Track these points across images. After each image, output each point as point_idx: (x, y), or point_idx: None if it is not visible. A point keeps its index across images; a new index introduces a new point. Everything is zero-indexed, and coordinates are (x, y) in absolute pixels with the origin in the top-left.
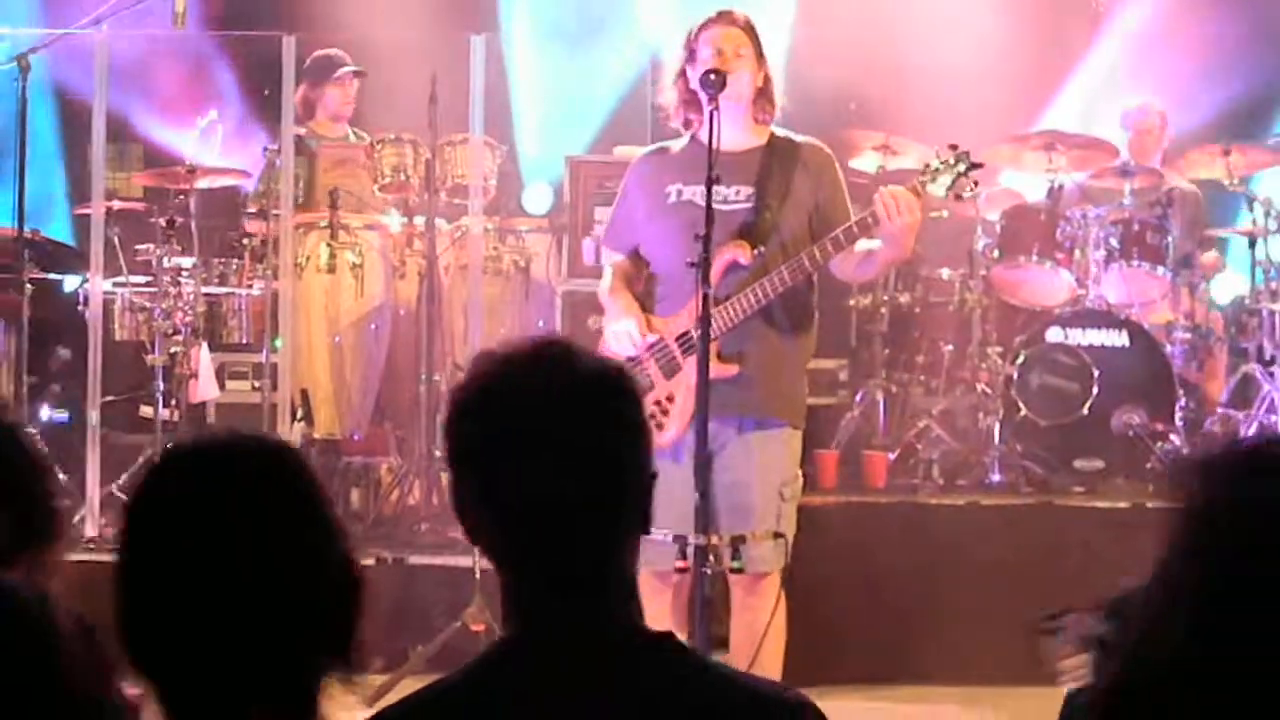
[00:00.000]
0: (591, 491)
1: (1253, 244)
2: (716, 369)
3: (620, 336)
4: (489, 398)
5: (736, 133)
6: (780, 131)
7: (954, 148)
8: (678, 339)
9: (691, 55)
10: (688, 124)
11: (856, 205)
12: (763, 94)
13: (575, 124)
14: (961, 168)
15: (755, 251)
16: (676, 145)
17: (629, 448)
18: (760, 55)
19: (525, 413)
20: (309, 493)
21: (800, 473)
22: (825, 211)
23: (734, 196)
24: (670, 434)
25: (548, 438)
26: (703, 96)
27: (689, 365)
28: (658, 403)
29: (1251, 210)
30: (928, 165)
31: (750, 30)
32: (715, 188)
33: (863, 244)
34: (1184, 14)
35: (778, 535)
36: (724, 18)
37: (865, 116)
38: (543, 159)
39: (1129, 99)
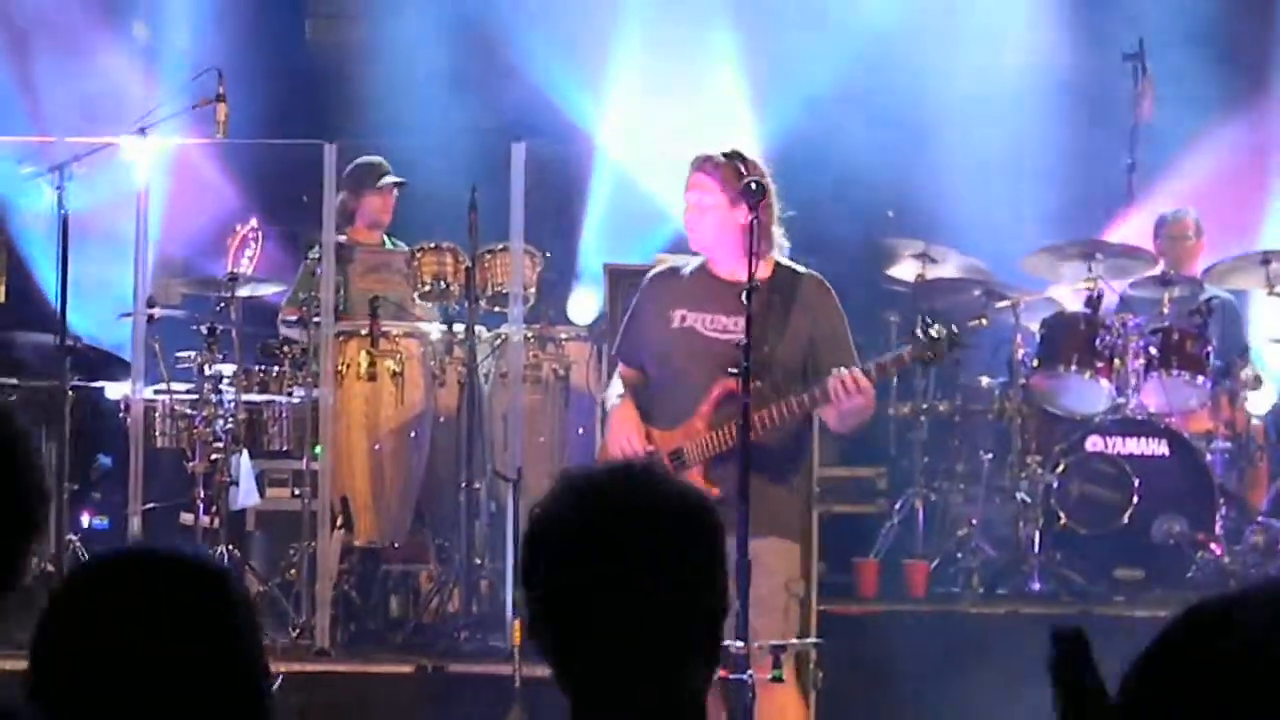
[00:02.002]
0: (665, 622)
1: None
2: (703, 487)
3: (622, 444)
4: (568, 523)
5: (737, 265)
6: (785, 262)
7: (938, 332)
8: (670, 454)
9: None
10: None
11: (894, 311)
12: (742, 226)
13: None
14: (944, 348)
15: (754, 385)
16: (688, 269)
17: (705, 580)
18: (738, 191)
19: (603, 541)
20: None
21: (800, 577)
22: (819, 348)
23: (732, 328)
24: None
25: (623, 566)
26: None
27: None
28: None
29: None
30: (902, 353)
31: (720, 170)
32: (715, 316)
33: None
34: (1219, 122)
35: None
36: (695, 163)
37: (903, 224)
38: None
39: (1164, 207)
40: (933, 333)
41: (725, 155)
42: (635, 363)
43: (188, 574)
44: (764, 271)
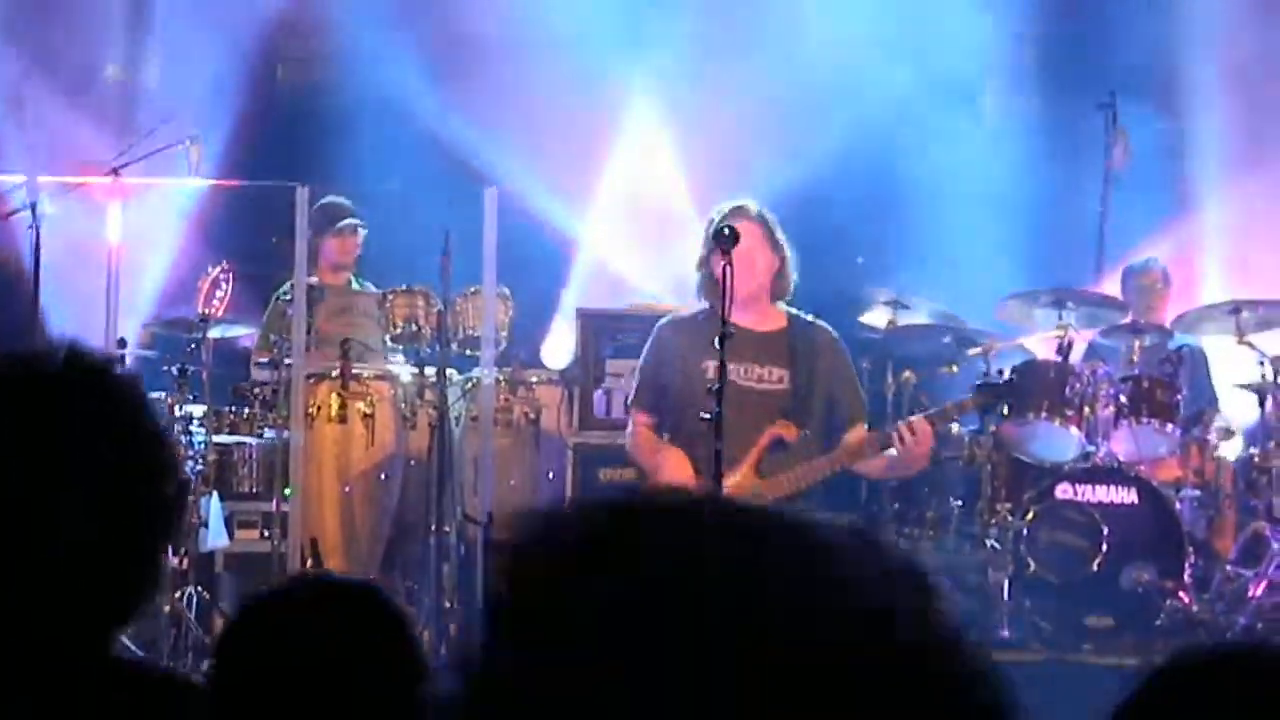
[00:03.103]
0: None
1: (1262, 401)
2: None
3: None
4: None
5: (759, 314)
6: (792, 311)
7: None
8: None
9: (722, 249)
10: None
11: (866, 358)
12: (780, 275)
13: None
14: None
15: (802, 433)
16: (702, 318)
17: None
18: (775, 240)
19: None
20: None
21: None
22: (838, 396)
23: (768, 377)
24: None
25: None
26: (715, 251)
27: None
28: None
29: (1262, 366)
30: (964, 401)
31: (762, 220)
32: (749, 366)
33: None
34: (1192, 169)
35: None
36: (738, 213)
37: (874, 271)
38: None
39: (1134, 257)
40: (999, 380)
41: (759, 210)
42: (657, 411)
43: (361, 598)
44: (780, 321)
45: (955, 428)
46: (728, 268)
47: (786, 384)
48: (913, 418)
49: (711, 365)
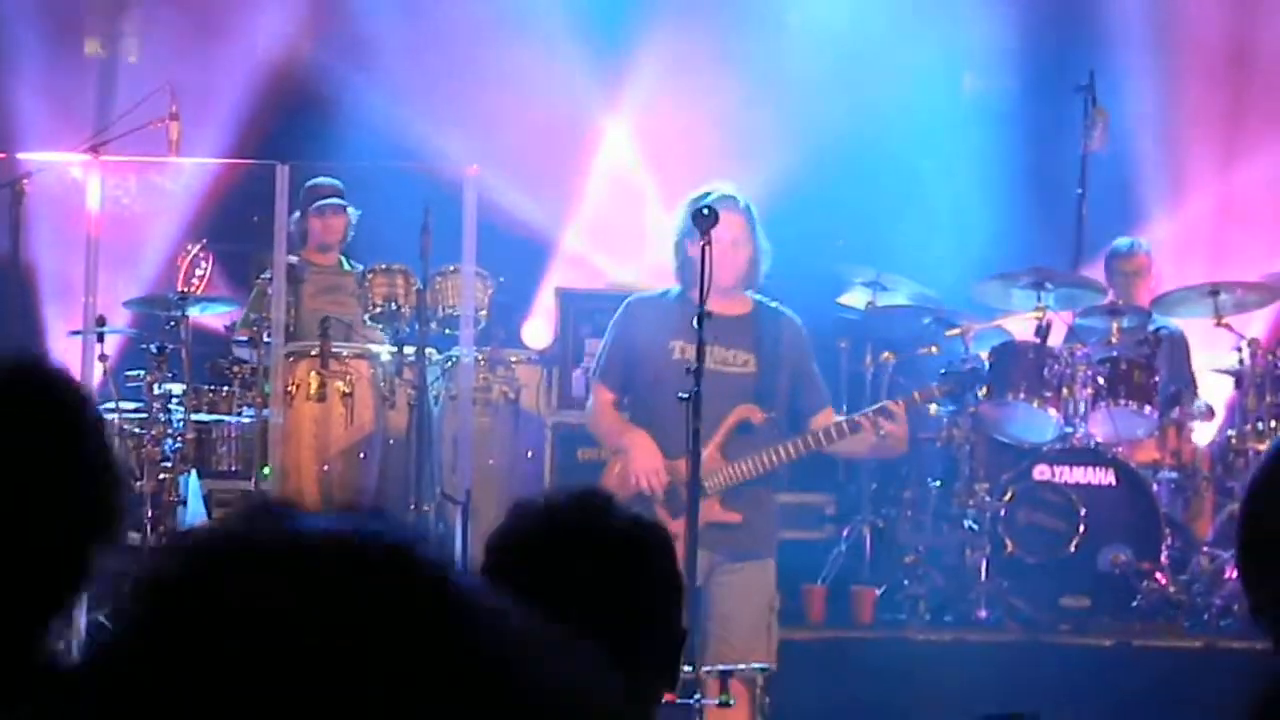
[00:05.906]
0: (620, 646)
1: (1239, 383)
2: (722, 515)
3: (649, 475)
4: (522, 550)
5: (730, 299)
6: (758, 298)
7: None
8: (686, 484)
9: (701, 230)
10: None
11: (845, 338)
12: (754, 265)
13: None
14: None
15: (768, 416)
16: (671, 298)
17: (659, 605)
18: (755, 233)
19: (556, 570)
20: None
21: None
22: (801, 385)
23: (734, 361)
24: None
25: (580, 593)
26: (695, 233)
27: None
28: None
29: (1240, 350)
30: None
31: (748, 212)
32: (715, 348)
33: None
34: (1171, 152)
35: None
36: (726, 201)
37: (855, 252)
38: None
39: (1117, 239)
40: (963, 368)
41: (745, 202)
42: (621, 389)
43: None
44: (746, 306)
45: (933, 408)
46: (706, 248)
47: (753, 368)
48: (885, 402)
49: (678, 345)
